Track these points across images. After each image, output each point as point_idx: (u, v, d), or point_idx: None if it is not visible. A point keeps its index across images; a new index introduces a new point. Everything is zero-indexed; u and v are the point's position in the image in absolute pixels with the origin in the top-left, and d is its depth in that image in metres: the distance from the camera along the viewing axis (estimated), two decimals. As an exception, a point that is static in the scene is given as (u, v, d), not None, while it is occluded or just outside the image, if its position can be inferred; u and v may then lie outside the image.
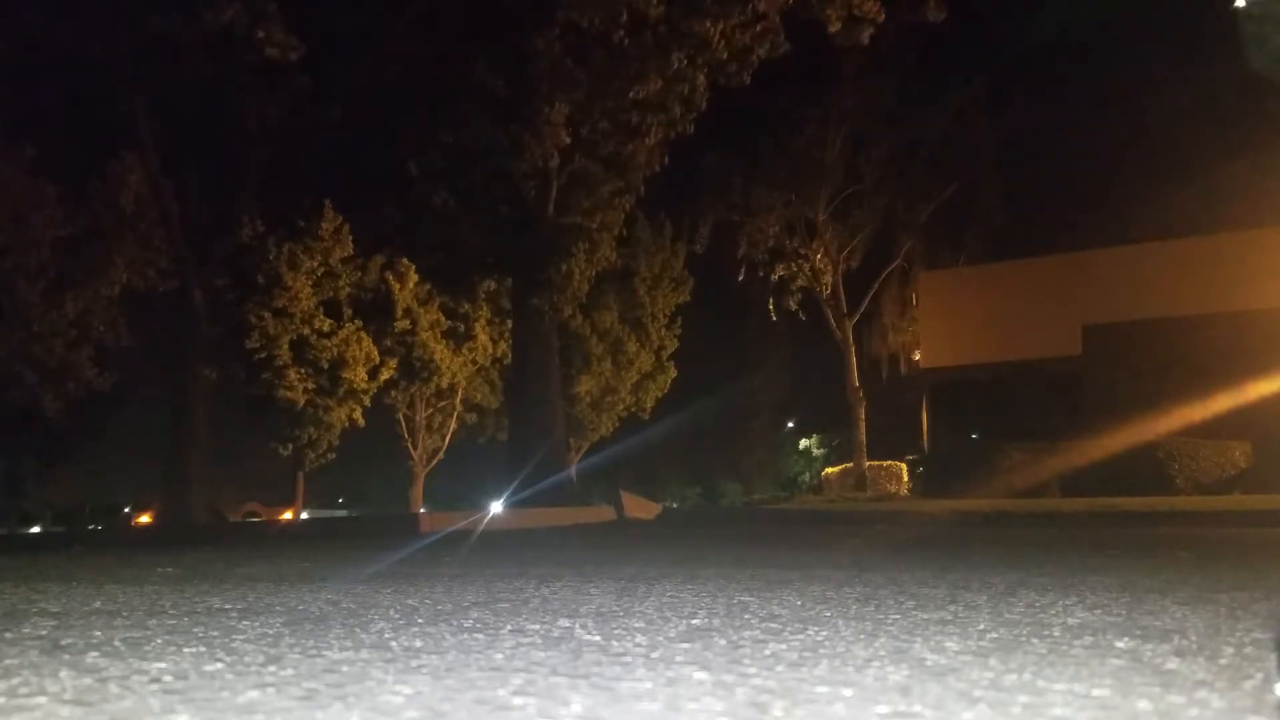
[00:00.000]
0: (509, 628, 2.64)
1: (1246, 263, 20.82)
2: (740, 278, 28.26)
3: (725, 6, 17.17)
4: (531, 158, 17.81)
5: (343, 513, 40.40)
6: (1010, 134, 27.40)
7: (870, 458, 26.40)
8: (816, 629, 2.54)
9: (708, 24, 17.05)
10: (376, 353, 28.72)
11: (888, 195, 28.23)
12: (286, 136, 23.05)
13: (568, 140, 17.79)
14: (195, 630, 2.67)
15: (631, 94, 17.46)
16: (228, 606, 3.29)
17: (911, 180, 27.89)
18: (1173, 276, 21.57)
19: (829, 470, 28.11)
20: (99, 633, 2.65)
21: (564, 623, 2.73)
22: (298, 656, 2.20)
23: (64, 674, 2.01)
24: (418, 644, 2.36)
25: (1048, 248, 24.49)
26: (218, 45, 18.65)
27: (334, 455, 29.43)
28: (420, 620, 2.84)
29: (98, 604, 3.45)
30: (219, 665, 2.09)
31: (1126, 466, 17.79)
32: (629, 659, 2.11)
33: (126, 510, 34.92)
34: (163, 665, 2.10)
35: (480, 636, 2.48)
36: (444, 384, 30.49)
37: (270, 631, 2.62)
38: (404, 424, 31.90)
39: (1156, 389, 19.92)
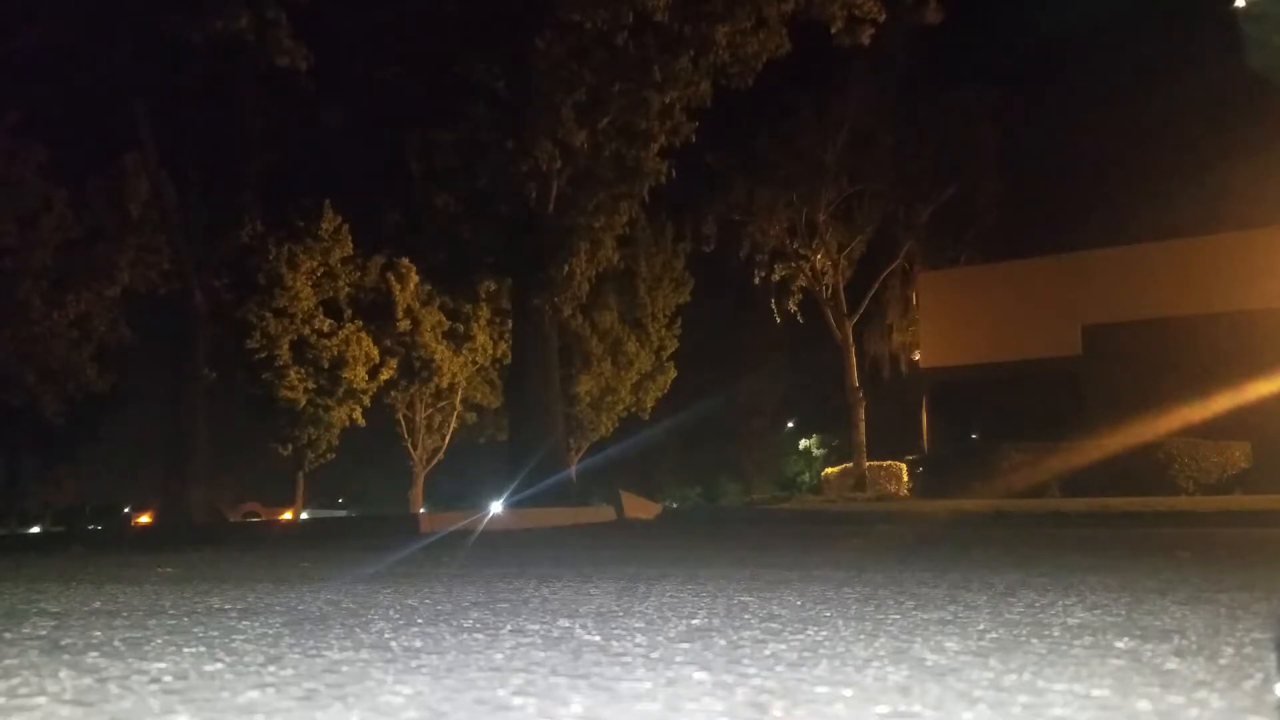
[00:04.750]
0: (509, 628, 2.64)
1: (1246, 263, 20.83)
2: (756, 280, 28.31)
3: (730, 9, 17.17)
4: (533, 159, 17.81)
5: (343, 513, 40.44)
6: (1010, 134, 27.43)
7: (870, 458, 26.41)
8: (816, 629, 2.53)
9: (716, 28, 17.06)
10: (376, 353, 28.74)
11: (888, 196, 28.27)
12: (287, 137, 23.05)
13: (579, 144, 17.79)
14: (195, 630, 2.67)
15: (646, 102, 17.44)
16: (228, 606, 3.29)
17: (912, 181, 27.92)
18: (1173, 276, 21.58)
19: (829, 470, 28.12)
20: (99, 633, 2.65)
21: (564, 623, 2.73)
22: (298, 656, 2.20)
23: (64, 674, 2.01)
24: (418, 644, 2.36)
25: (1048, 248, 24.50)
26: (222, 48, 18.65)
27: (334, 455, 29.46)
28: (420, 620, 2.84)
29: (98, 604, 3.45)
30: (219, 665, 2.09)
31: (1127, 467, 17.80)
32: (629, 659, 2.10)
33: (126, 510, 34.94)
34: (163, 665, 2.10)
35: (480, 636, 2.48)
36: (444, 384, 30.51)
37: (270, 631, 2.62)
38: (404, 424, 31.93)
39: (1156, 389, 19.93)
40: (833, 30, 18.14)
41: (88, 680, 1.94)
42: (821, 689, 1.76)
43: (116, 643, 2.45)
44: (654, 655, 2.15)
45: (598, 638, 2.43)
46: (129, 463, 35.48)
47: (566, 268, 19.03)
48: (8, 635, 2.62)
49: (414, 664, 2.08)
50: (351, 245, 28.10)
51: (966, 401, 24.21)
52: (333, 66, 19.12)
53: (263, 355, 27.09)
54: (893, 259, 28.91)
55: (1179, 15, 22.00)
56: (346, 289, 28.68)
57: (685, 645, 2.29)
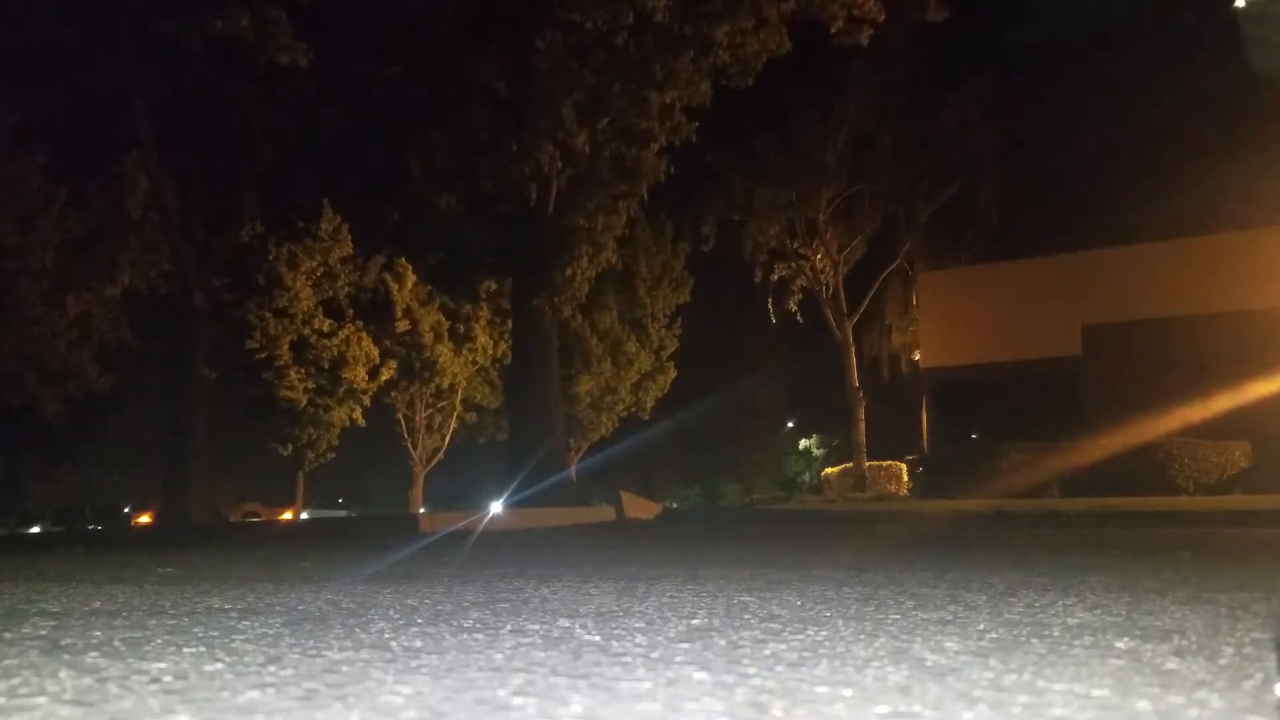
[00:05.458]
0: (509, 628, 2.64)
1: (1246, 263, 20.82)
2: (757, 279, 28.33)
3: (730, 9, 17.17)
4: (534, 159, 17.81)
5: (342, 513, 40.46)
6: (1010, 134, 27.41)
7: (870, 458, 26.41)
8: (816, 629, 2.54)
9: (716, 28, 17.06)
10: (376, 353, 28.73)
11: (888, 196, 28.26)
12: (287, 137, 23.07)
13: (579, 144, 17.79)
14: (195, 630, 2.67)
15: (646, 102, 17.44)
16: (228, 606, 3.29)
17: (912, 180, 27.92)
18: (1173, 276, 21.57)
19: (829, 470, 28.13)
20: (99, 633, 2.65)
21: (564, 623, 2.73)
22: (298, 656, 2.20)
23: (64, 674, 2.01)
24: (418, 644, 2.36)
25: (1048, 248, 24.48)
26: (222, 49, 18.67)
27: (334, 455, 29.44)
28: (420, 620, 2.84)
29: (98, 604, 3.45)
30: (219, 665, 2.09)
31: (1126, 466, 17.80)
32: (629, 659, 2.11)
33: (126, 510, 34.95)
34: (163, 665, 2.10)
35: (480, 636, 2.48)
36: (444, 384, 30.51)
37: (270, 631, 2.63)
38: (404, 424, 31.91)
39: (1156, 389, 19.92)
40: (833, 30, 18.16)
41: (88, 680, 1.94)
42: (821, 689, 1.76)
43: (116, 643, 2.45)
44: (654, 655, 2.15)
45: (598, 638, 2.43)
46: (129, 463, 35.48)
47: (569, 270, 19.04)
48: (8, 635, 2.62)
49: (414, 664, 2.08)
50: (351, 245, 28.08)
51: (966, 401, 24.20)
52: (333, 66, 19.12)
53: (263, 355, 27.07)
54: (893, 259, 28.92)
55: (1179, 15, 22.00)
56: (346, 289, 28.68)
57: (685, 645, 2.29)
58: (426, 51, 18.41)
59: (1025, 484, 18.21)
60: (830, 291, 28.23)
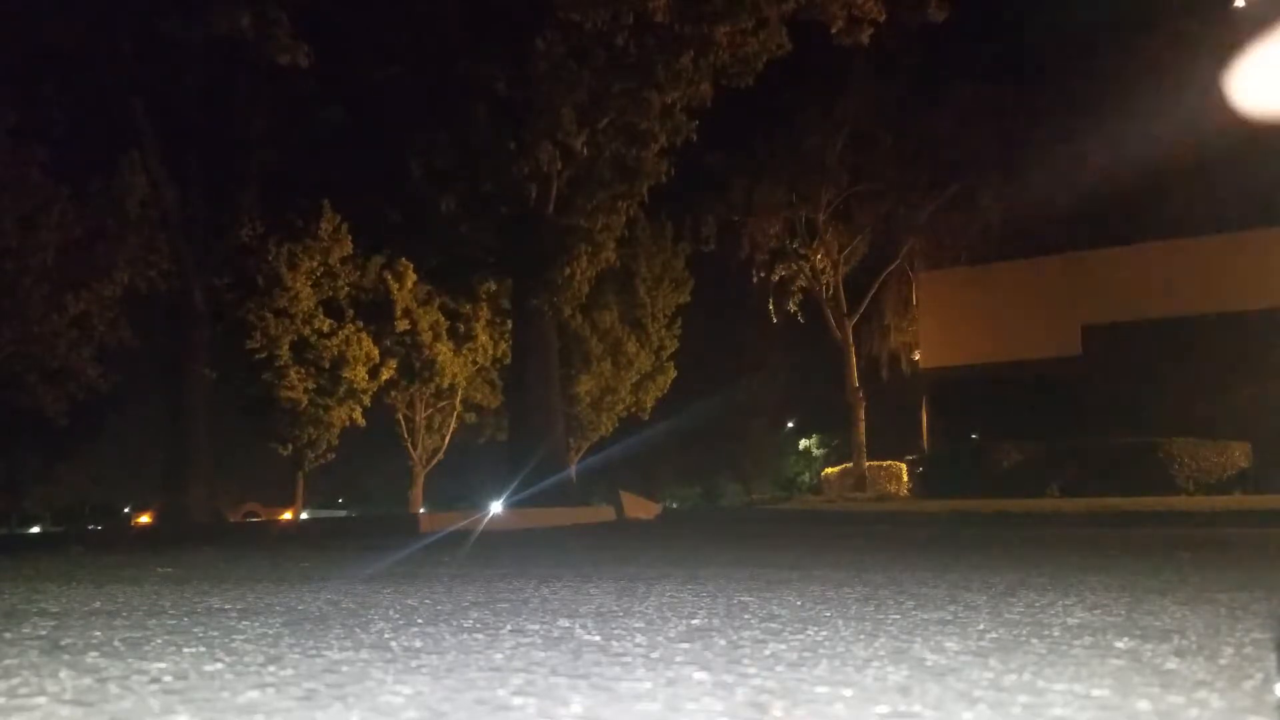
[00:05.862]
0: (509, 628, 2.64)
1: (1246, 263, 20.83)
2: (755, 279, 28.34)
3: (730, 9, 17.18)
4: (534, 160, 17.82)
5: (343, 513, 40.47)
6: (1010, 134, 27.36)
7: (870, 458, 26.41)
8: (816, 629, 2.53)
9: (716, 28, 17.07)
10: (376, 353, 28.72)
11: (888, 196, 28.26)
12: (287, 137, 23.07)
13: (579, 144, 17.81)
14: (195, 630, 2.67)
15: (647, 103, 17.44)
16: (228, 606, 3.29)
17: (912, 181, 27.90)
18: (1173, 276, 21.57)
19: (829, 470, 28.13)
20: (99, 633, 2.65)
21: (564, 623, 2.73)
22: (298, 656, 2.20)
23: (64, 674, 2.01)
24: (418, 644, 2.36)
25: (1048, 248, 24.47)
26: (222, 49, 18.69)
27: (334, 455, 29.43)
28: (420, 620, 2.84)
29: (98, 604, 3.44)
30: (219, 665, 2.09)
31: (1126, 467, 17.81)
32: (629, 659, 2.11)
33: (126, 510, 34.94)
34: (163, 665, 2.10)
35: (480, 636, 2.48)
36: (444, 384, 30.51)
37: (270, 631, 2.62)
38: (404, 424, 31.90)
39: (1156, 389, 19.94)
40: (833, 30, 18.16)
41: (88, 680, 1.94)
42: (821, 689, 1.76)
43: (116, 643, 2.45)
44: (654, 655, 2.15)
45: (598, 638, 2.43)
46: (129, 463, 35.48)
47: (569, 270, 19.04)
48: (8, 635, 2.62)
49: (414, 664, 2.08)
50: (351, 245, 28.07)
51: (966, 401, 24.20)
52: (333, 66, 19.13)
53: (263, 355, 27.06)
54: (893, 259, 28.91)
55: (1181, 14, 21.99)
56: (346, 289, 28.68)
57: (685, 645, 2.29)
58: (426, 51, 18.42)
59: (1025, 484, 18.22)
60: (830, 291, 28.23)
